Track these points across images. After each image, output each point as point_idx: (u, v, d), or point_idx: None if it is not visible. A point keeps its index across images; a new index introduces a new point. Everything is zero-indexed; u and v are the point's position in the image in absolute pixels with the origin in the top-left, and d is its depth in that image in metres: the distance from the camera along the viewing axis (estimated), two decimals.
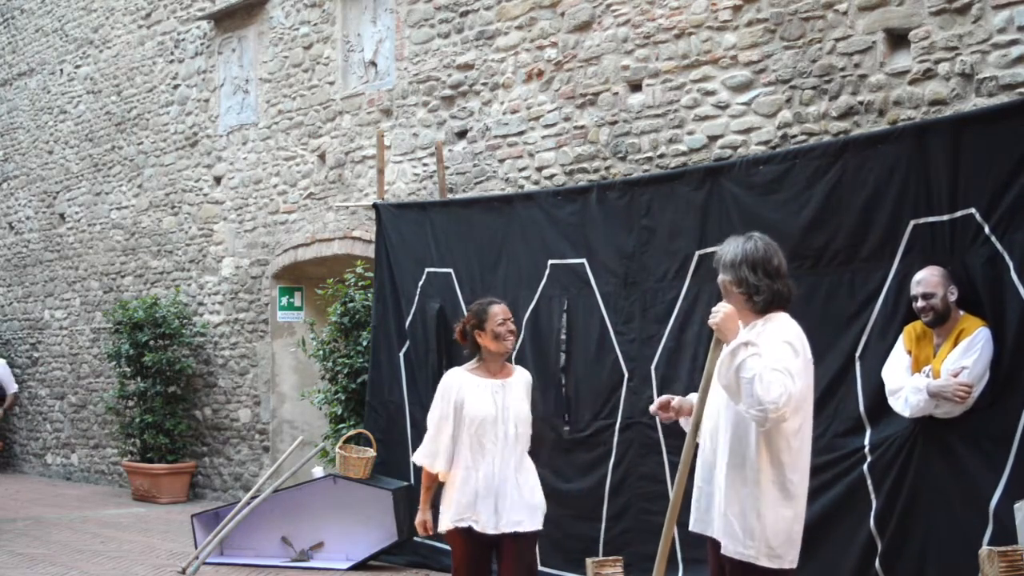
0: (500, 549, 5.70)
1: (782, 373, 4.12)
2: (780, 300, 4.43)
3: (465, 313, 8.73)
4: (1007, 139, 5.78)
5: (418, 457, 5.83)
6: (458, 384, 5.78)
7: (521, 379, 5.90)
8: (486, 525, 5.59)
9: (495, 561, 5.77)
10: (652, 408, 4.92)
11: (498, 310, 5.80)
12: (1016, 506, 5.38)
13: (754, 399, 4.09)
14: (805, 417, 4.35)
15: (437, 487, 5.84)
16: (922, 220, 6.14)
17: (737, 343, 4.19)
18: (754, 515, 4.27)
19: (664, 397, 4.90)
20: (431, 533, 5.90)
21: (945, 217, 6.02)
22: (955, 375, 5.69)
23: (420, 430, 9.02)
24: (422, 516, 5.85)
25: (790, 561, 4.30)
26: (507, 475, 5.64)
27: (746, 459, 4.31)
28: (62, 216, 16.61)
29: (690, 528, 4.62)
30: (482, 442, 5.66)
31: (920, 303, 5.87)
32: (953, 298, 5.83)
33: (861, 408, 6.30)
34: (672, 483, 7.18)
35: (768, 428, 4.18)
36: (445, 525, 5.67)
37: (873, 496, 6.16)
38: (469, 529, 5.61)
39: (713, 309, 4.33)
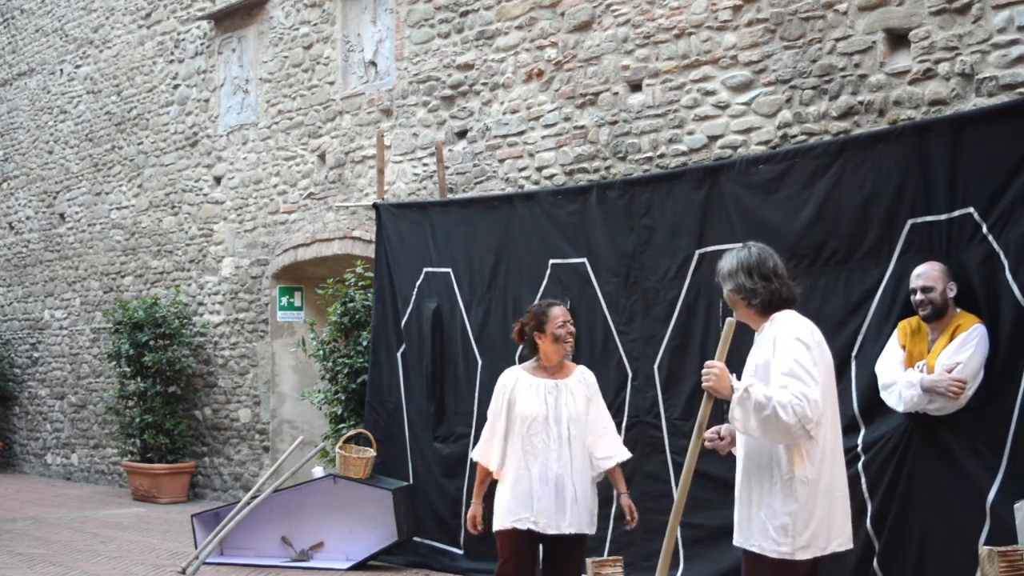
0: (554, 549, 5.72)
1: (795, 379, 4.18)
2: (779, 300, 4.47)
3: (465, 313, 8.84)
4: (1007, 139, 5.79)
5: (475, 453, 5.95)
6: (512, 383, 5.83)
7: (580, 380, 5.89)
8: (547, 526, 5.60)
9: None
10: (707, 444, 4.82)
11: (558, 312, 5.82)
12: (1016, 506, 5.38)
13: (783, 427, 4.14)
14: (829, 405, 4.38)
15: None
16: (920, 219, 6.15)
17: (739, 393, 4.21)
18: (786, 514, 4.28)
19: (713, 430, 4.77)
20: (480, 529, 5.89)
21: (943, 217, 6.03)
22: (949, 370, 5.68)
23: (416, 430, 9.12)
24: (473, 510, 5.88)
25: (825, 546, 4.31)
26: (564, 475, 5.64)
27: (772, 457, 4.34)
28: (62, 216, 16.61)
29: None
30: (534, 442, 5.67)
31: (919, 296, 5.87)
32: (952, 294, 5.84)
33: (855, 408, 6.30)
34: (676, 483, 7.21)
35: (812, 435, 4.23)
36: (501, 524, 5.67)
37: (867, 496, 6.16)
38: (528, 530, 5.61)
39: (703, 373, 4.33)
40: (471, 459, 5.96)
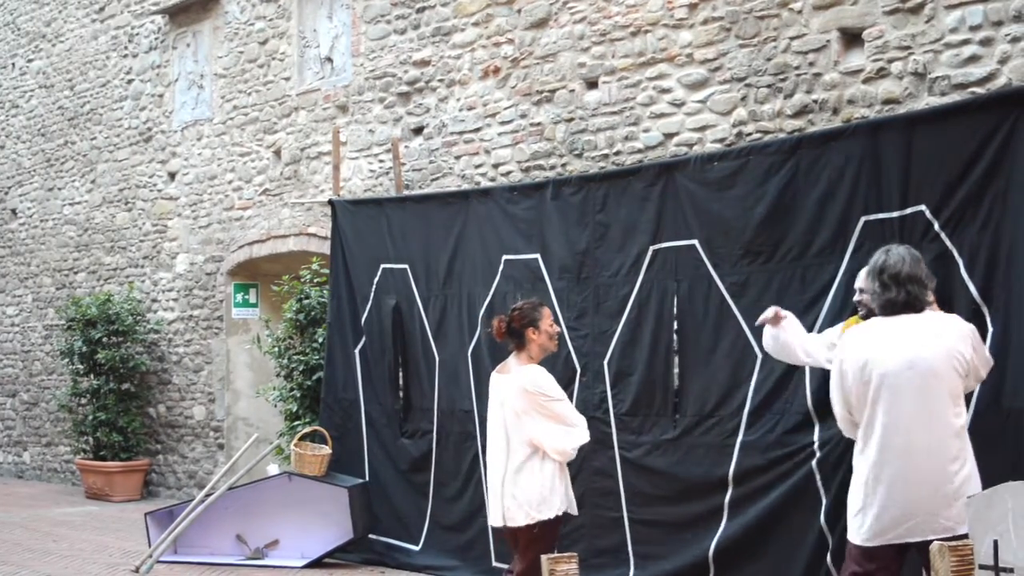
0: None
1: None
2: (881, 307, 4.85)
3: (422, 310, 8.82)
4: (958, 138, 5.85)
5: (585, 437, 6.17)
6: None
7: None
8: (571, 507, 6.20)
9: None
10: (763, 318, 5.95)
11: (548, 311, 6.26)
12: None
13: None
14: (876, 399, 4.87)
15: None
16: (872, 217, 6.19)
17: None
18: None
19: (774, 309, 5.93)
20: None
21: (895, 214, 6.08)
22: None
23: (376, 427, 9.09)
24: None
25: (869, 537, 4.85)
26: None
27: None
28: (14, 212, 16.42)
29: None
30: None
31: (856, 296, 5.90)
32: None
33: (809, 404, 6.34)
34: (623, 479, 7.24)
35: None
36: (556, 511, 6.02)
37: (823, 492, 6.20)
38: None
39: None
40: (571, 447, 6.11)
